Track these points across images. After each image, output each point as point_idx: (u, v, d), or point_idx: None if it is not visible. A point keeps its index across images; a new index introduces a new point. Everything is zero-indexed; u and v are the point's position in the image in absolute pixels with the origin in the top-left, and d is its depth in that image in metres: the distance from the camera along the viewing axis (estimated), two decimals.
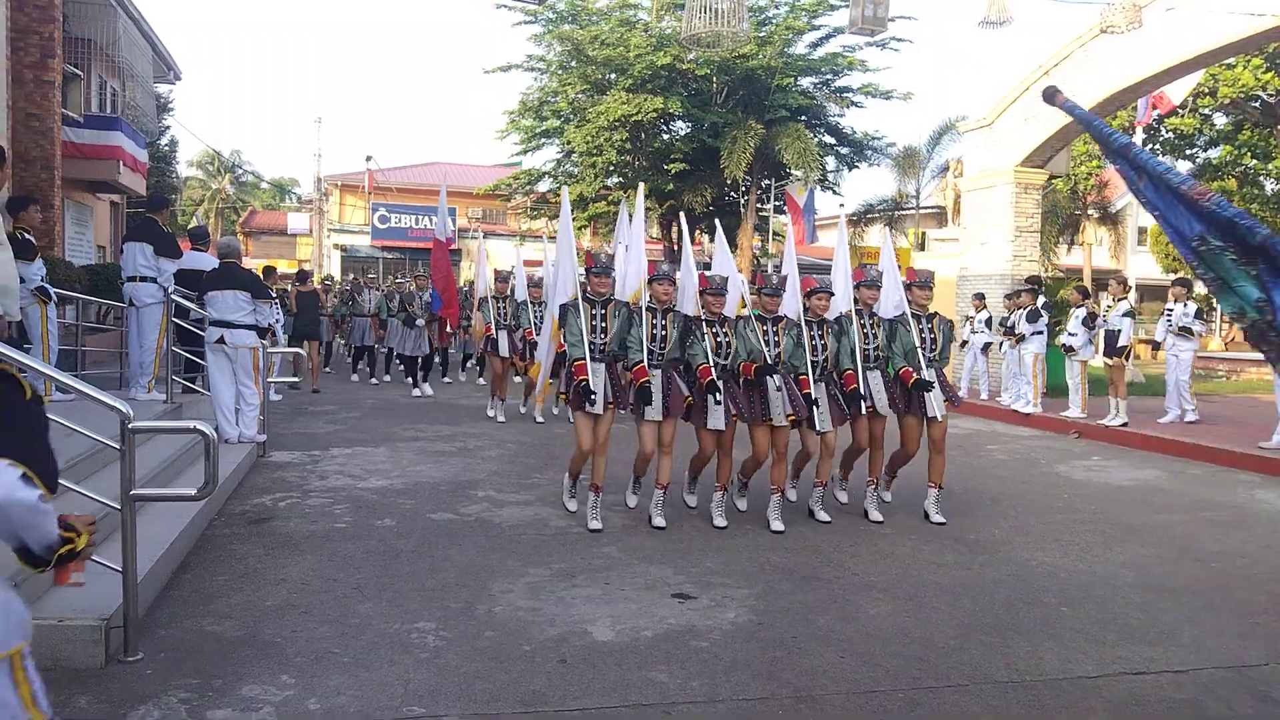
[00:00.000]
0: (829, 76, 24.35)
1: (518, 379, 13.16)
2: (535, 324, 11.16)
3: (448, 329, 14.96)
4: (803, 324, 6.69)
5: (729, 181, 23.31)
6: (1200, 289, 25.75)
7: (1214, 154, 27.68)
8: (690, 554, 5.94)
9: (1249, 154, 26.12)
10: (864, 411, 6.89)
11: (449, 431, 10.77)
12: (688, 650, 4.37)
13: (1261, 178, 27.35)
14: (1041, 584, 5.58)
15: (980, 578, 5.67)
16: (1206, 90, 23.83)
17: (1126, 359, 12.13)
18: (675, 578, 5.46)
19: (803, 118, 23.48)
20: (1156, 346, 12.78)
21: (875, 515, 6.94)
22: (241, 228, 43.47)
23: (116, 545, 4.21)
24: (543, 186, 26.79)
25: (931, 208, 35.09)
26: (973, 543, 6.43)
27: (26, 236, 7.62)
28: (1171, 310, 12.04)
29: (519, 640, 4.43)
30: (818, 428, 6.56)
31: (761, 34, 22.38)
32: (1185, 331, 11.80)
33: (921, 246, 33.05)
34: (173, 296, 8.74)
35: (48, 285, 8.03)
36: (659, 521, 6.49)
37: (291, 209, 48.66)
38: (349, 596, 4.97)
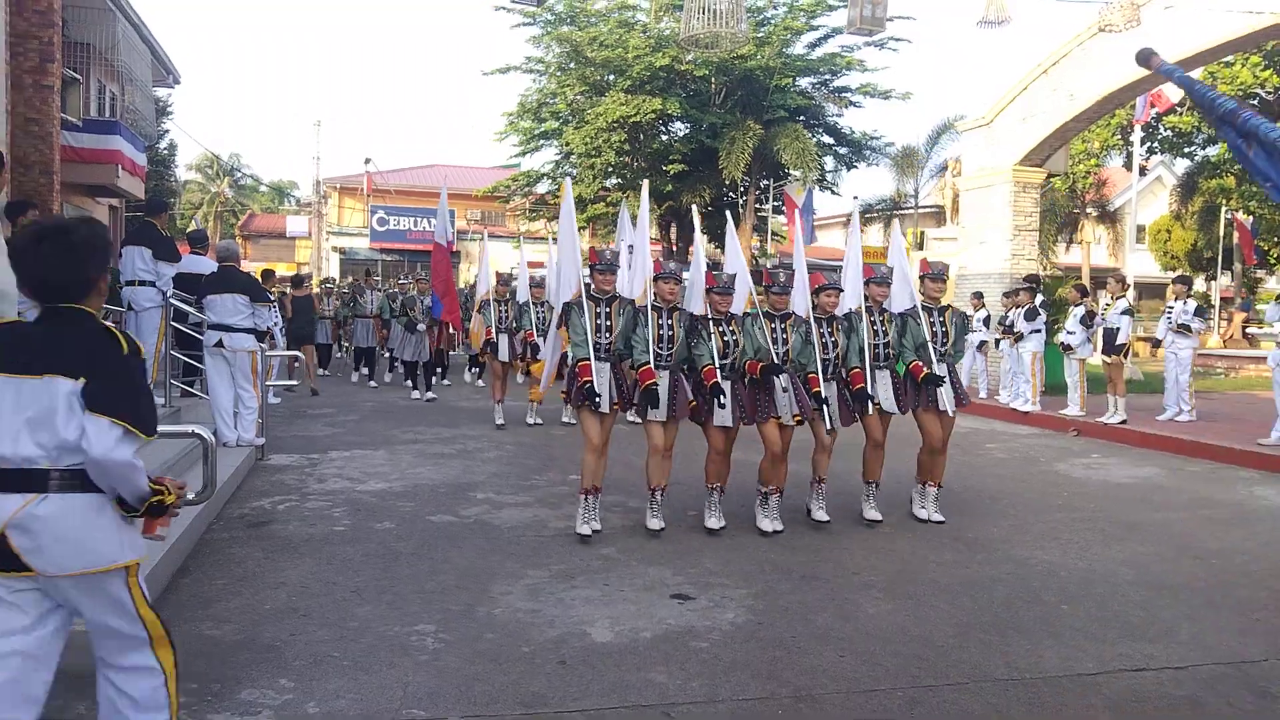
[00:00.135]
0: (827, 76, 24.37)
1: (520, 379, 13.11)
2: (537, 326, 11.09)
3: (449, 331, 14.92)
4: (812, 321, 6.57)
5: (728, 182, 23.32)
6: (1200, 286, 25.74)
7: (1212, 152, 27.70)
8: (689, 554, 5.94)
9: None
10: (870, 411, 6.73)
11: (448, 434, 10.77)
12: (687, 651, 4.37)
13: None
14: (1041, 582, 5.58)
15: (980, 576, 5.67)
16: None
17: (1125, 357, 12.13)
18: (674, 578, 5.46)
19: (801, 118, 23.49)
20: (1157, 344, 12.76)
21: (872, 514, 6.79)
22: (240, 231, 43.48)
23: None
24: (541, 188, 26.80)
25: (930, 207, 35.12)
26: (972, 541, 6.43)
27: None
28: (1172, 308, 12.05)
29: (518, 642, 4.42)
30: (828, 425, 6.49)
31: (760, 34, 22.40)
32: (1184, 329, 11.81)
33: (920, 246, 33.07)
34: (171, 300, 8.74)
35: None
36: (655, 524, 6.35)
37: (290, 212, 48.69)
38: (348, 599, 4.97)
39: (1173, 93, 21.51)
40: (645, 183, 8.23)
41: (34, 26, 13.20)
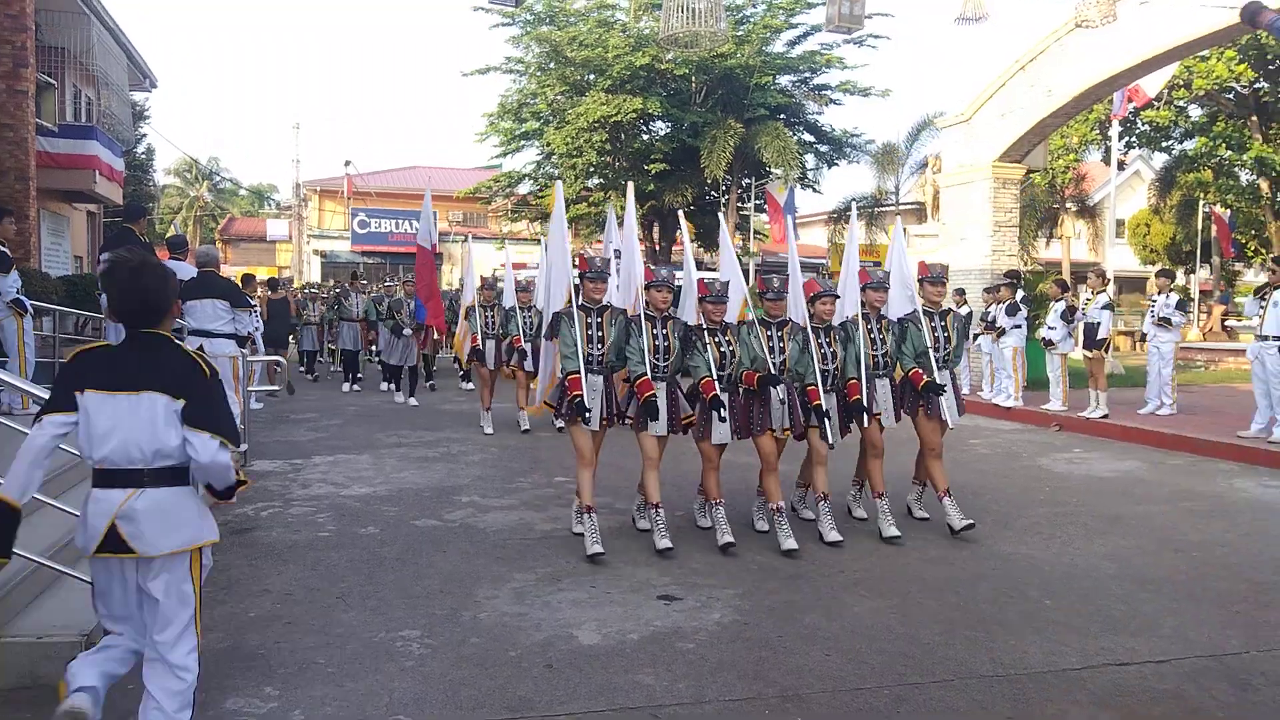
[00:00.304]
0: (807, 74, 24.44)
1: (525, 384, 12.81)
2: (524, 330, 10.95)
3: (434, 336, 14.81)
4: (808, 330, 6.28)
5: (709, 181, 23.35)
6: (1179, 279, 25.92)
7: (1189, 146, 27.93)
8: (676, 555, 5.92)
9: (1224, 145, 26.35)
10: (866, 424, 6.44)
11: (432, 437, 10.74)
12: (674, 652, 4.37)
13: (1236, 168, 27.59)
14: (1025, 577, 5.61)
15: (964, 572, 5.70)
16: (1181, 82, 24.05)
17: (1106, 351, 12.21)
18: (660, 579, 5.46)
19: (782, 116, 23.55)
20: (1144, 338, 12.83)
21: (891, 530, 6.34)
22: (220, 235, 43.21)
23: None
24: (523, 189, 26.76)
25: (911, 204, 35.25)
26: (956, 537, 6.45)
27: (1, 249, 7.56)
28: (1155, 301, 12.14)
29: (504, 646, 4.42)
30: (829, 440, 6.22)
31: (739, 33, 22.44)
32: (1164, 322, 11.89)
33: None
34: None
35: (24, 297, 7.96)
36: (663, 543, 5.91)
37: (270, 215, 48.45)
38: (333, 606, 4.95)
39: (1150, 87, 21.67)
40: (630, 185, 7.85)
41: (6, 31, 13.09)
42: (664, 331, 6.02)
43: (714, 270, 7.57)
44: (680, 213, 8.59)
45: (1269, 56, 23.13)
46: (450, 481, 8.25)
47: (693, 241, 26.67)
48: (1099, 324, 12.05)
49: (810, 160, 25.53)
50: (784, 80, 24.14)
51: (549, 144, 23.76)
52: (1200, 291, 31.17)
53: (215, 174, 51.29)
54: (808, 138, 25.25)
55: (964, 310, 14.56)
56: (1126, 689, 4.05)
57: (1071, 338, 12.44)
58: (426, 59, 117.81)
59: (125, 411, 2.93)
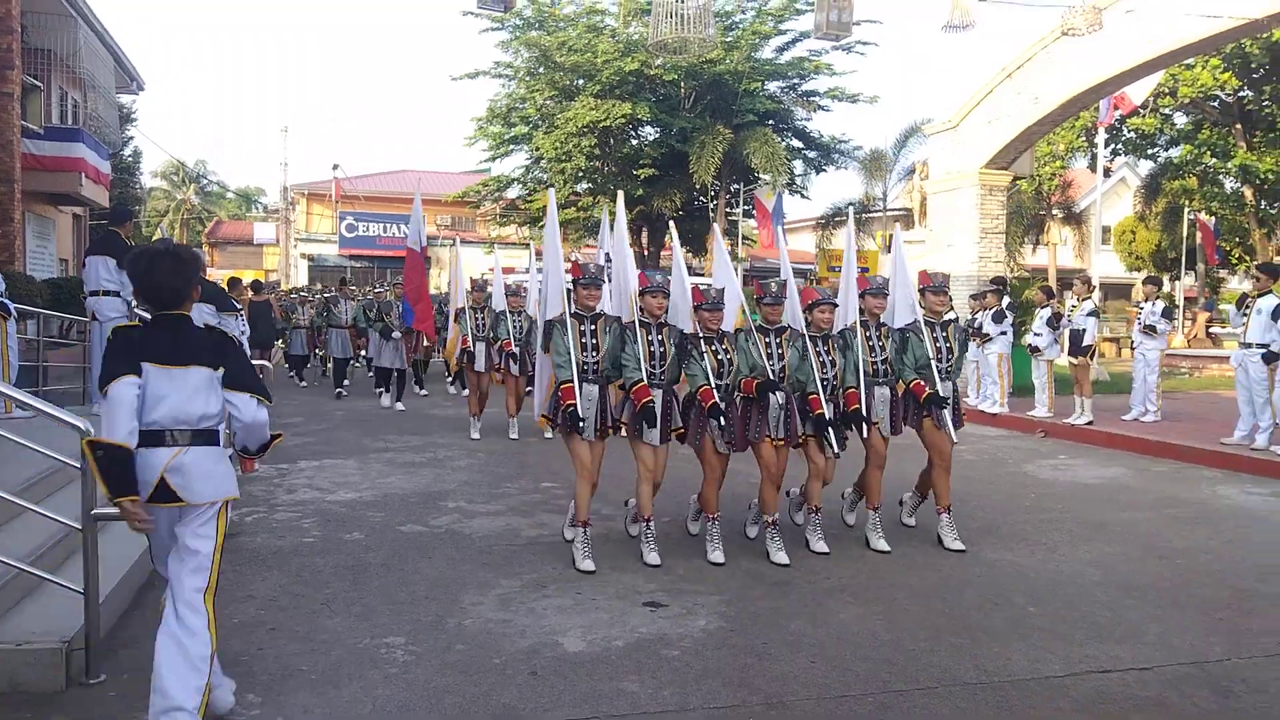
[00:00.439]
0: (796, 81, 24.54)
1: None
2: (514, 335, 10.83)
3: (424, 341, 14.71)
4: (806, 338, 6.12)
5: (698, 186, 23.41)
6: (1164, 286, 26.04)
7: (1175, 153, 28.10)
8: (662, 561, 5.92)
9: (1209, 153, 26.54)
10: (867, 434, 6.30)
11: (419, 442, 10.71)
12: (659, 659, 4.36)
13: (1221, 176, 27.78)
14: (1010, 584, 5.63)
15: (949, 579, 5.71)
16: (1167, 90, 24.20)
17: (1091, 358, 12.27)
18: (646, 585, 5.46)
19: (770, 122, 23.64)
20: (1133, 346, 12.88)
21: (880, 545, 6.29)
22: (207, 238, 43.06)
23: (78, 566, 4.15)
24: (512, 193, 26.77)
25: (898, 210, 35.36)
26: (941, 544, 6.45)
27: None
28: (1142, 308, 12.21)
29: (489, 653, 4.40)
30: (831, 451, 6.14)
31: (728, 39, 22.51)
32: (1150, 330, 11.95)
33: (889, 249, 33.28)
34: (136, 310, 8.64)
35: (7, 300, 7.92)
36: (653, 559, 5.83)
37: (258, 219, 48.34)
38: (317, 612, 4.93)
39: (1136, 95, 21.79)
40: (620, 193, 7.66)
41: None
42: (659, 338, 5.86)
43: (701, 275, 7.46)
44: (671, 223, 8.36)
45: (1253, 65, 23.31)
46: (437, 487, 8.23)
47: (682, 247, 26.71)
48: (1084, 331, 12.10)
49: (798, 166, 25.64)
50: (772, 86, 24.24)
51: (538, 149, 23.79)
52: (1185, 298, 31.33)
53: (202, 177, 51.16)
54: (796, 144, 25.35)
55: (948, 316, 14.64)
56: (1110, 696, 4.07)
57: (1057, 344, 12.49)
58: (415, 63, 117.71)
59: (175, 382, 3.38)
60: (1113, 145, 27.55)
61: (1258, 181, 25.80)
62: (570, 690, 4.02)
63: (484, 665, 4.26)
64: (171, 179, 49.54)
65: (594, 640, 4.58)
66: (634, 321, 5.89)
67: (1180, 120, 27.51)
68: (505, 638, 4.60)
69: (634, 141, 24.65)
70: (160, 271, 3.47)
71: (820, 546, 6.19)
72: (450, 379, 16.29)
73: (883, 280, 6.62)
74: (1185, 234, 29.50)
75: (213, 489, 3.44)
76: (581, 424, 5.69)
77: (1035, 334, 12.58)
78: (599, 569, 5.70)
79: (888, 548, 6.27)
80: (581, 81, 23.03)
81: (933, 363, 6.40)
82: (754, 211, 26.72)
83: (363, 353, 17.71)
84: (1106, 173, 29.19)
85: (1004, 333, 12.97)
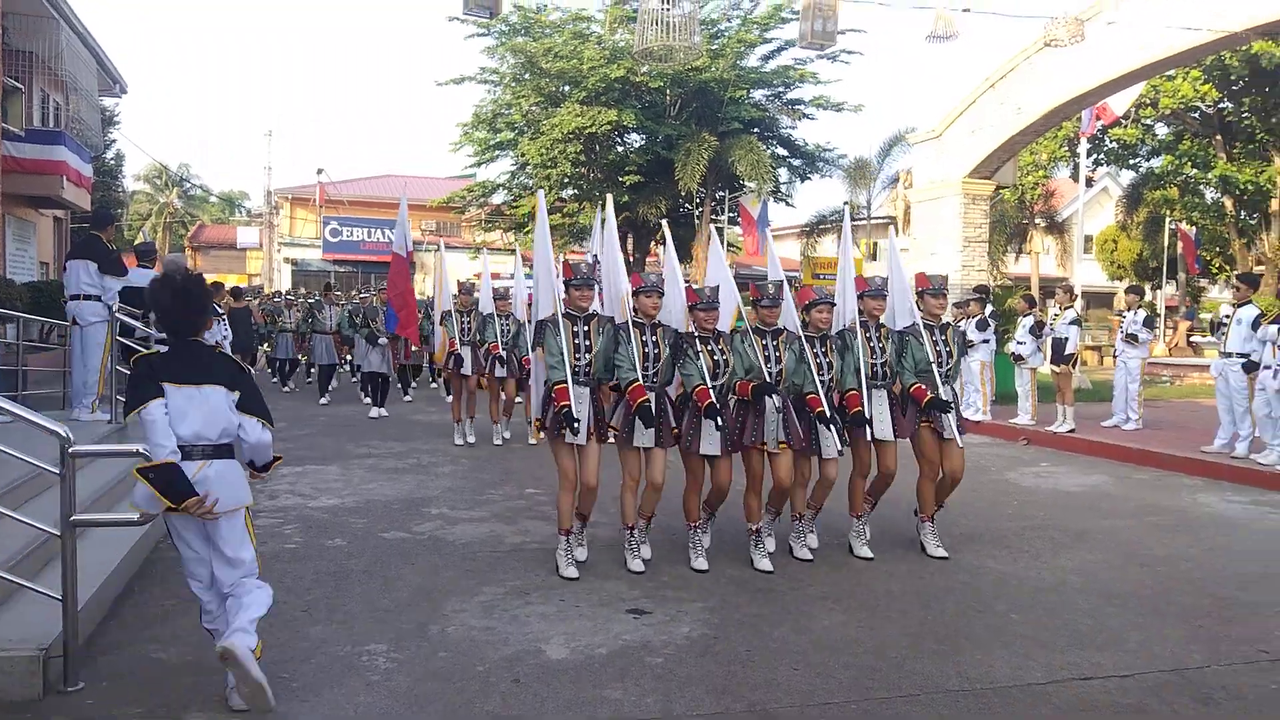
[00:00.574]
0: (781, 89, 24.63)
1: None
2: (501, 338, 10.73)
3: (411, 347, 14.56)
4: (803, 340, 6.04)
5: (683, 193, 23.46)
6: (1148, 295, 26.24)
7: (1156, 163, 28.36)
8: (646, 568, 5.91)
9: (1189, 163, 26.79)
10: (867, 437, 6.22)
11: (402, 448, 10.67)
12: (642, 666, 4.35)
13: (1201, 186, 28.04)
14: (992, 591, 5.65)
15: (932, 586, 5.73)
16: (1148, 101, 24.42)
17: (1073, 366, 12.34)
18: (630, 593, 5.45)
19: (755, 130, 23.72)
20: (1115, 354, 12.95)
21: (864, 550, 6.28)
22: (190, 242, 42.82)
23: (56, 572, 4.10)
24: (497, 198, 26.75)
25: (883, 218, 35.49)
26: (924, 551, 6.47)
27: None
28: (1125, 316, 12.30)
29: (472, 661, 4.38)
30: (823, 453, 6.04)
31: (714, 47, 22.57)
32: (1131, 338, 12.03)
33: (873, 256, 33.46)
34: (118, 315, 8.58)
35: None
36: (636, 565, 5.82)
37: (241, 223, 48.12)
38: (298, 619, 4.90)
39: (1117, 105, 21.98)
40: (609, 196, 7.38)
41: None
42: (653, 339, 5.76)
43: (689, 283, 7.31)
44: (664, 220, 8.23)
45: (1232, 77, 23.55)
46: (420, 493, 8.20)
47: (659, 244, 26.75)
48: (1067, 339, 12.18)
49: (783, 174, 25.73)
50: (758, 94, 24.32)
51: (523, 154, 23.78)
52: (1166, 307, 31.60)
53: (185, 180, 50.80)
54: (781, 151, 25.43)
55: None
56: (1091, 703, 4.09)
57: (1041, 352, 12.56)
58: (401, 68, 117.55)
59: (196, 400, 3.71)
60: (1095, 155, 27.77)
61: (1237, 192, 26.06)
62: (553, 698, 4.00)
63: (467, 673, 4.24)
64: (154, 182, 49.23)
65: (577, 648, 4.57)
66: (628, 322, 5.80)
67: (1161, 131, 27.76)
68: (488, 645, 4.58)
69: (619, 148, 24.67)
70: (180, 302, 3.81)
71: (803, 554, 6.17)
72: (434, 383, 16.20)
73: (881, 281, 6.49)
74: (1166, 243, 29.76)
75: (234, 497, 3.78)
76: (576, 424, 5.50)
77: (1019, 342, 12.64)
78: (582, 575, 5.69)
79: (871, 554, 6.27)
80: (567, 88, 23.05)
81: (933, 366, 6.30)
82: (739, 219, 26.80)
83: (348, 358, 17.62)
84: (1089, 182, 29.40)
85: (987, 341, 13.03)
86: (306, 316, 17.08)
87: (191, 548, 3.81)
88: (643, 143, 24.37)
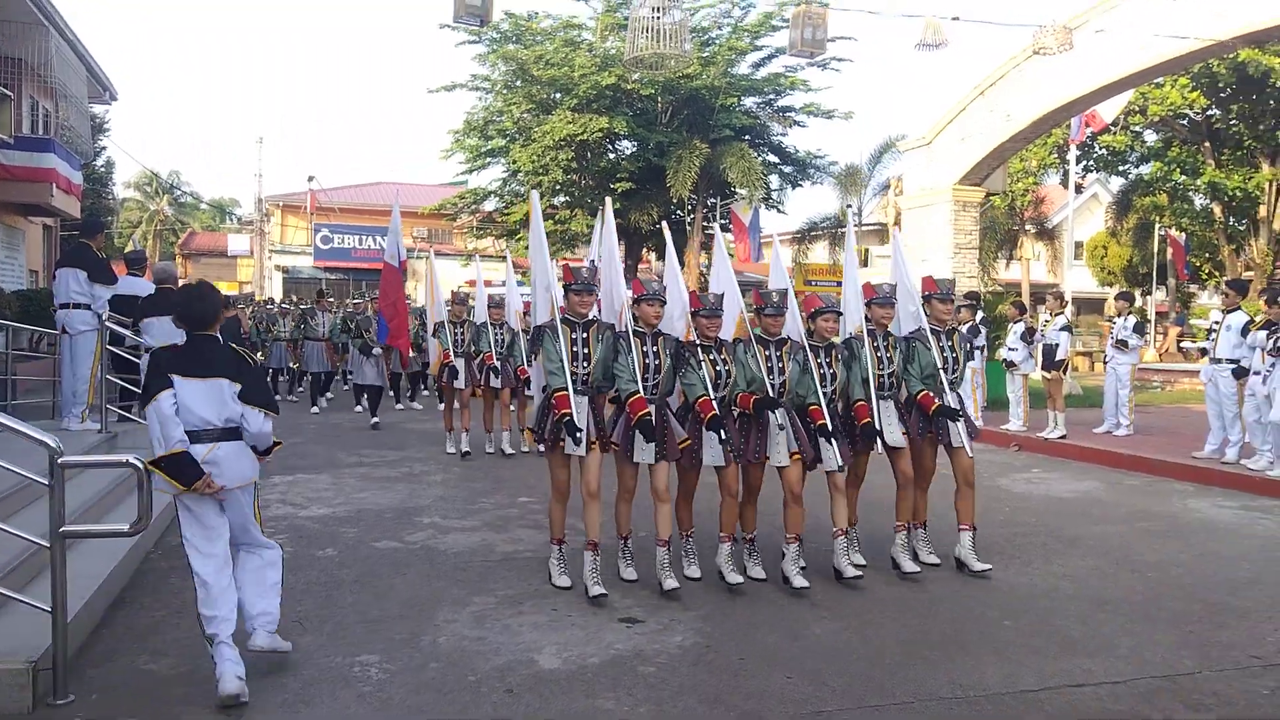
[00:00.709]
0: (772, 96, 24.67)
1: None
2: (496, 348, 10.59)
3: (410, 354, 14.36)
4: (807, 348, 5.85)
5: (675, 200, 23.46)
6: (1138, 301, 26.31)
7: (1145, 170, 28.47)
8: (638, 578, 5.89)
9: (1178, 170, 26.91)
10: (878, 449, 6.05)
11: (394, 456, 10.65)
12: (635, 676, 4.35)
13: (1190, 192, 28.17)
14: (984, 597, 5.65)
15: (924, 593, 5.73)
16: (1137, 109, 24.53)
17: (1064, 372, 12.38)
18: (623, 602, 5.44)
19: (747, 137, 23.75)
20: (1106, 360, 12.99)
21: (851, 570, 5.85)
22: (180, 249, 42.69)
23: (45, 584, 4.08)
24: (489, 205, 26.75)
25: (874, 225, 35.65)
26: (916, 557, 6.47)
27: None
28: (1114, 322, 12.35)
29: (464, 671, 4.37)
30: (825, 466, 5.81)
31: (705, 54, 22.60)
32: (1121, 344, 12.08)
33: (865, 263, 33.50)
34: (108, 323, 8.55)
35: None
36: (670, 584, 5.52)
37: (232, 230, 47.89)
38: (289, 630, 4.86)
39: (1106, 113, 22.08)
40: (609, 199, 7.14)
41: None
42: (654, 349, 5.55)
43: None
44: (664, 224, 8.03)
45: (1220, 85, 23.69)
46: (411, 502, 8.18)
47: (660, 260, 26.76)
48: (1057, 345, 12.22)
49: (775, 181, 25.74)
50: (749, 102, 24.35)
51: (515, 161, 23.76)
52: (1156, 313, 31.73)
53: (176, 188, 50.69)
54: (772, 159, 25.46)
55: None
56: (1082, 710, 4.09)
57: (1032, 358, 12.59)
58: (392, 75, 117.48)
59: (203, 391, 4.11)
60: (1084, 162, 27.88)
61: (1226, 198, 26.20)
62: (546, 708, 3.99)
63: (459, 683, 4.23)
64: (145, 190, 49.11)
65: (570, 657, 4.56)
66: (628, 330, 5.60)
67: (1150, 138, 27.89)
68: (480, 655, 4.57)
69: (611, 155, 24.68)
70: (196, 302, 4.29)
71: (850, 572, 5.79)
72: (432, 390, 16.10)
73: (890, 288, 6.34)
74: (1156, 249, 29.89)
75: (240, 475, 4.21)
76: (579, 434, 5.34)
77: (1010, 348, 12.67)
78: (575, 585, 5.67)
79: (859, 573, 5.91)
80: (559, 95, 23.06)
81: (940, 372, 6.17)
82: (731, 226, 26.83)
83: (342, 367, 17.53)
84: (1078, 189, 29.56)
85: (978, 348, 13.06)
86: (299, 323, 16.99)
87: (205, 524, 4.14)
88: (634, 150, 24.39)
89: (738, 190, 24.13)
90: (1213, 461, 10.01)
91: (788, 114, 24.78)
